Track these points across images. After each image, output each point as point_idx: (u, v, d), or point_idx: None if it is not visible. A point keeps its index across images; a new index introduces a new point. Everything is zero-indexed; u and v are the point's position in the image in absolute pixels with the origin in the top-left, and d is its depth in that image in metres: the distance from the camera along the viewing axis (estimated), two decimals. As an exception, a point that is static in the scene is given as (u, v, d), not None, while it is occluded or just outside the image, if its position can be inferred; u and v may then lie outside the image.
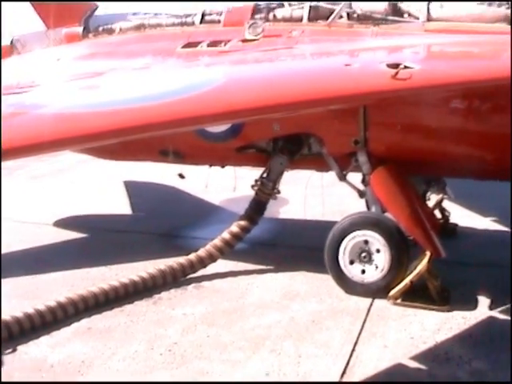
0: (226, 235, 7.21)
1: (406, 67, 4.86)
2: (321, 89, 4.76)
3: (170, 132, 5.17)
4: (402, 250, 6.46)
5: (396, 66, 4.87)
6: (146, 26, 8.33)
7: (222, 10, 8.04)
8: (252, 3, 7.87)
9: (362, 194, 7.00)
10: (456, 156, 6.57)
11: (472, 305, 6.36)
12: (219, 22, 7.88)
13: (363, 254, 6.54)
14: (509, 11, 6.66)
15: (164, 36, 8.07)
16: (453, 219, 8.34)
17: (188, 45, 7.60)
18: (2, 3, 9.70)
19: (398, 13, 7.15)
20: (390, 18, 7.09)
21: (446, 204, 8.27)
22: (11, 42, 8.83)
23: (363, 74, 5.11)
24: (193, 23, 8.03)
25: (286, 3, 7.73)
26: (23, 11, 9.76)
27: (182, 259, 7.09)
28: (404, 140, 6.59)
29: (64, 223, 9.21)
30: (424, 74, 5.06)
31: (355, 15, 7.20)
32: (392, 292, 6.34)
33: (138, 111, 4.52)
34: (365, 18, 7.16)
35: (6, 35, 9.12)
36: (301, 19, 7.43)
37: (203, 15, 8.04)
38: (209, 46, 7.44)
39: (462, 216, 8.73)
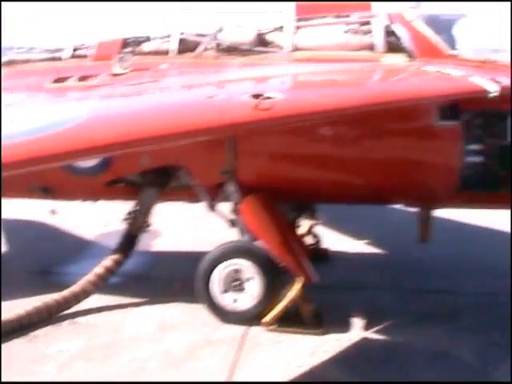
0: (99, 270, 7.14)
1: (267, 97, 4.97)
2: (183, 122, 4.81)
3: (28, 170, 5.10)
4: (274, 277, 6.57)
5: (258, 96, 4.98)
6: (16, 61, 8.21)
7: (92, 43, 8.04)
8: (121, 37, 7.91)
9: (233, 224, 7.09)
10: (325, 183, 6.74)
11: (346, 327, 6.53)
12: (89, 56, 7.87)
13: (235, 283, 6.61)
14: (372, 39, 6.94)
15: (34, 71, 7.98)
16: (324, 244, 8.54)
17: (57, 80, 7.54)
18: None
19: (265, 43, 7.34)
20: (257, 48, 7.27)
21: (318, 229, 8.47)
22: None
23: (226, 106, 5.18)
24: (62, 58, 7.99)
25: (154, 36, 7.82)
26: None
27: (56, 295, 6.97)
28: (272, 168, 6.71)
29: None
30: (286, 104, 5.19)
31: (222, 47, 7.34)
32: (266, 318, 6.43)
33: None
34: (232, 50, 7.30)
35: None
36: (169, 52, 7.52)
37: (74, 49, 8.02)
38: (78, 80, 7.42)
39: (333, 240, 8.97)
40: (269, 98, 4.97)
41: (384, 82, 6.37)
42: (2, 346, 6.28)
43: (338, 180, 6.73)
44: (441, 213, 7.22)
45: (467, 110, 6.27)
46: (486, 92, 5.82)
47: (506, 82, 6.11)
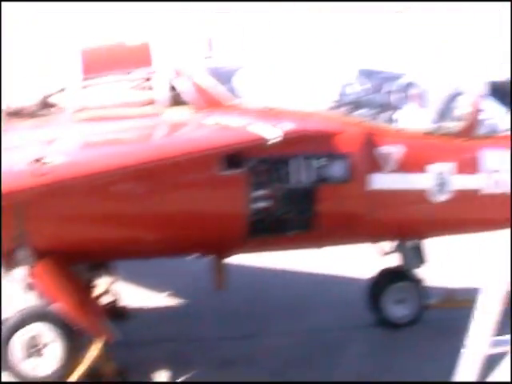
0: None
1: (45, 162, 4.93)
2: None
3: None
4: (74, 339, 6.43)
5: (38, 160, 4.93)
6: None
7: None
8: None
9: (30, 288, 6.85)
10: (117, 240, 6.69)
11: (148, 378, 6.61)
12: None
13: (36, 348, 6.41)
14: (155, 95, 7.07)
15: None
16: (124, 300, 8.46)
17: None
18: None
19: (49, 105, 7.27)
20: (41, 111, 7.19)
21: (116, 286, 8.38)
22: None
23: (4, 174, 5.12)
24: None
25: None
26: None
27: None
28: (63, 230, 6.54)
29: None
30: (65, 167, 5.18)
31: (10, 111, 7.20)
32: (69, 379, 6.26)
33: None
34: (16, 113, 7.17)
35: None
36: None
37: None
38: None
39: (133, 295, 8.92)
40: (47, 162, 4.94)
41: (162, 138, 6.54)
42: None
43: (130, 236, 6.71)
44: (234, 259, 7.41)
45: (251, 158, 6.49)
46: (264, 140, 6.14)
47: (289, 127, 6.48)
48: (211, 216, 6.62)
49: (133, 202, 6.55)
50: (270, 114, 6.94)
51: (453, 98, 7.61)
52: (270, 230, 6.72)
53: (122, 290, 8.59)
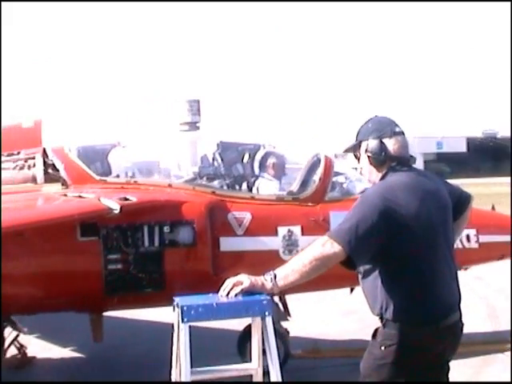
0: None
1: None
2: None
3: None
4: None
5: None
6: None
7: None
8: None
9: None
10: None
11: None
12: None
13: None
14: (35, 172, 8.20)
15: None
16: (31, 352, 9.45)
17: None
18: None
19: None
20: None
21: (24, 339, 9.39)
22: None
23: None
24: None
25: None
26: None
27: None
28: None
29: None
30: None
31: None
32: None
33: None
34: None
35: None
36: None
37: None
38: None
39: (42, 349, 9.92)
40: None
41: (27, 208, 7.61)
42: None
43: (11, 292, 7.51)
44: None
45: (106, 226, 7.51)
46: (109, 210, 7.18)
47: (137, 199, 7.52)
48: (73, 276, 7.62)
49: (10, 263, 7.44)
50: (129, 188, 8.01)
51: (308, 165, 8.50)
52: (125, 288, 7.68)
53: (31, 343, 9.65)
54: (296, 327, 8.85)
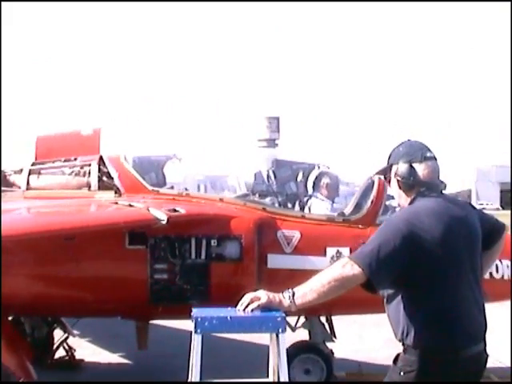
0: None
1: None
2: None
3: None
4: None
5: None
6: None
7: None
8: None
9: None
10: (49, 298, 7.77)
11: None
12: None
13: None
14: (89, 179, 8.36)
15: None
16: (81, 355, 9.61)
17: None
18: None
19: (10, 183, 8.68)
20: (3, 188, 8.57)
21: (76, 342, 9.57)
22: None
23: None
24: None
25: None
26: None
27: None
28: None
29: None
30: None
31: None
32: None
33: None
34: None
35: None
36: None
37: None
38: None
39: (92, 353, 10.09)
40: None
41: (75, 213, 7.74)
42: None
43: (58, 295, 7.78)
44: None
45: (154, 236, 7.60)
46: (157, 220, 7.25)
47: (186, 211, 7.59)
48: (119, 283, 7.73)
49: (59, 266, 7.67)
50: (180, 199, 8.09)
51: (362, 187, 8.46)
52: (170, 298, 7.75)
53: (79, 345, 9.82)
54: (342, 350, 8.78)
